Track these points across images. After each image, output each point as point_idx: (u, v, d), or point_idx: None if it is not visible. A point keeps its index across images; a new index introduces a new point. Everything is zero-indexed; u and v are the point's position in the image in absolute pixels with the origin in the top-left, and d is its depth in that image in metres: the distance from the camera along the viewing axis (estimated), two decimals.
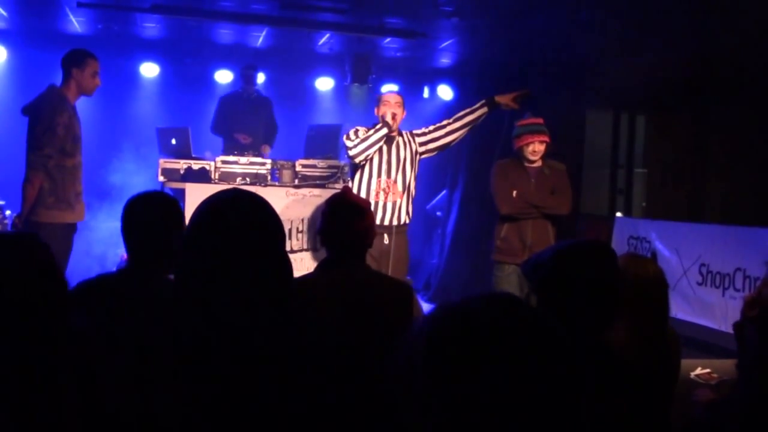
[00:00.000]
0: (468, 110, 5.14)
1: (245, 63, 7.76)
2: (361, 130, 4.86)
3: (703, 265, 5.85)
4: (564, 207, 4.90)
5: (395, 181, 4.87)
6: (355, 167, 4.95)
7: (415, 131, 5.09)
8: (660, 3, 5.48)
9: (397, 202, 4.86)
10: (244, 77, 7.69)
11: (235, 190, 1.61)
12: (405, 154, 4.93)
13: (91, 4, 6.48)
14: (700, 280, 5.88)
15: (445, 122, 5.15)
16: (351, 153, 4.81)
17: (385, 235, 4.78)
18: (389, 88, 5.33)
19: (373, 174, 4.87)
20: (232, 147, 7.12)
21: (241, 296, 1.50)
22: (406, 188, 4.91)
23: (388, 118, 4.82)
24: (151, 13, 6.62)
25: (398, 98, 4.98)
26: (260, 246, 1.53)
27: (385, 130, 4.81)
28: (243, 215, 1.54)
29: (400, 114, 4.91)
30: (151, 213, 2.46)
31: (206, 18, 6.86)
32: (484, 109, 5.09)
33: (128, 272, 2.44)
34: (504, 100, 5.08)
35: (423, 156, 5.09)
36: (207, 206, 1.56)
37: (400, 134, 4.98)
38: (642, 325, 2.51)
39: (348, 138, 4.84)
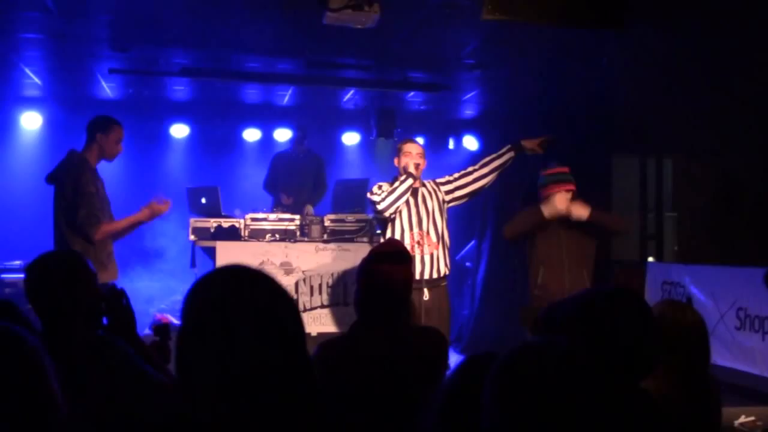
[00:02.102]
0: (495, 155, 5.07)
1: (298, 124, 7.85)
2: (385, 185, 4.76)
3: (741, 309, 5.72)
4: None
5: (428, 233, 4.72)
6: (384, 223, 4.81)
7: (438, 180, 4.99)
8: (684, 49, 5.49)
9: (434, 254, 4.70)
10: (295, 138, 7.81)
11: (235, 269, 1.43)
12: (433, 204, 4.81)
13: (123, 70, 6.66)
14: (738, 324, 5.75)
15: (470, 168, 5.03)
16: (380, 207, 4.67)
17: (425, 290, 4.61)
18: (410, 139, 5.20)
19: (404, 228, 4.72)
20: (279, 206, 7.24)
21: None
22: (440, 238, 4.76)
23: (411, 169, 4.72)
24: (180, 77, 6.78)
25: (419, 148, 4.86)
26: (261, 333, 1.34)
27: (410, 181, 4.70)
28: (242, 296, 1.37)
29: (423, 164, 4.81)
30: (51, 273, 2.43)
31: (234, 79, 7.01)
32: (511, 154, 5.02)
33: (42, 335, 2.34)
34: (530, 144, 5.04)
35: (451, 204, 4.96)
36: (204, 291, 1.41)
37: (423, 185, 4.88)
38: (682, 373, 2.46)
39: (373, 194, 4.73)
